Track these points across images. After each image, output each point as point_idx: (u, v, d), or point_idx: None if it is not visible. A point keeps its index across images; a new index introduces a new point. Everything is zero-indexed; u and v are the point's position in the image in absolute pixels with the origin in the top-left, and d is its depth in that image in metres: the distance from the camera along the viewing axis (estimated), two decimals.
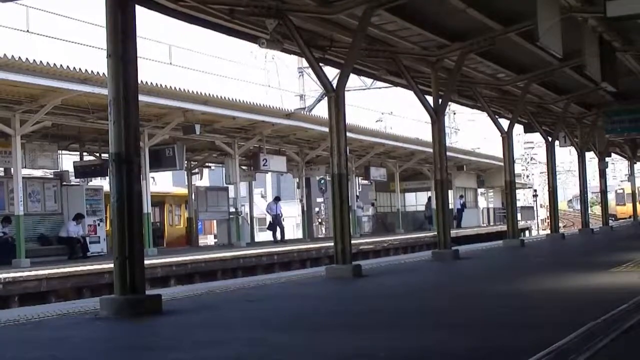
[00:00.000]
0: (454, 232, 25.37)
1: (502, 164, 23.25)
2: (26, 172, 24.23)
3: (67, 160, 29.12)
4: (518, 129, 30.38)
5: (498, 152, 38.26)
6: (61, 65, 18.61)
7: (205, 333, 7.18)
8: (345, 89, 13.78)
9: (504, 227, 25.52)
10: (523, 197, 73.07)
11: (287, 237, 34.83)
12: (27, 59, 17.83)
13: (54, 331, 7.83)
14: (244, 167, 32.32)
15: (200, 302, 10.09)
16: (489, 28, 16.42)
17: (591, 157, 35.05)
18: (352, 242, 13.93)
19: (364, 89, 42.30)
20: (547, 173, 27.27)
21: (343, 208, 13.16)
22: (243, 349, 6.39)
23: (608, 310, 7.15)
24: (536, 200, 58.43)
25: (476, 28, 16.42)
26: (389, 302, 9.66)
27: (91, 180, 29.33)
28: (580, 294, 9.30)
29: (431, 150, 18.06)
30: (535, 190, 61.90)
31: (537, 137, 32.84)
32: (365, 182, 42.64)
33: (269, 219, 35.24)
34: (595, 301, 8.39)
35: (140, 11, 10.92)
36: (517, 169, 58.73)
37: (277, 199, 34.48)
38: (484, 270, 14.40)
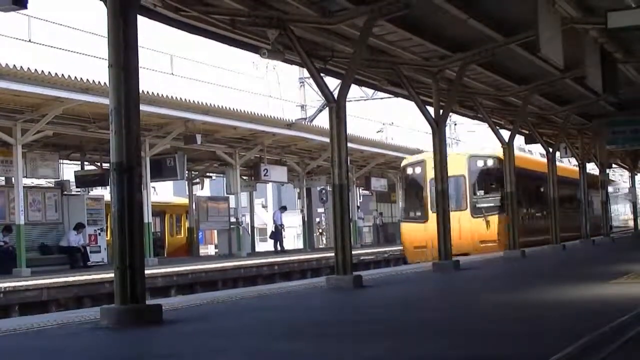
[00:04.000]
0: None
1: None
2: (27, 181, 24.26)
3: (68, 170, 29.17)
4: (519, 139, 30.41)
5: None
6: (62, 74, 18.67)
7: (205, 342, 7.17)
8: (347, 99, 13.78)
9: None
10: None
11: (288, 247, 34.82)
12: (28, 68, 17.88)
13: (54, 340, 7.81)
14: (244, 177, 32.35)
15: (201, 312, 10.08)
16: (490, 39, 16.44)
17: (591, 168, 35.02)
18: (353, 252, 13.92)
19: (365, 100, 42.36)
20: (548, 184, 27.22)
21: (344, 218, 13.15)
22: (244, 357, 6.38)
23: (609, 322, 7.14)
24: None
25: (477, 39, 16.44)
26: (389, 312, 9.65)
27: (92, 190, 29.38)
28: (581, 304, 9.28)
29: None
30: None
31: (538, 148, 32.93)
32: (366, 192, 42.61)
33: (270, 228, 35.26)
34: (596, 312, 8.38)
35: (142, 21, 10.96)
36: None
37: (283, 209, 34.51)
38: (485, 281, 14.37)
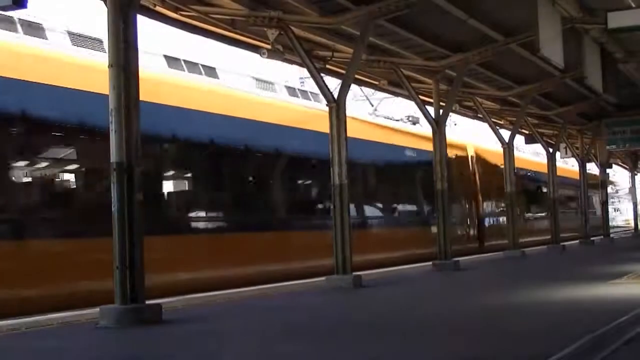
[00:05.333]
0: None
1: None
2: None
3: None
4: (519, 139, 30.38)
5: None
6: None
7: (205, 343, 7.17)
8: (346, 99, 13.78)
9: None
10: None
11: None
12: None
13: (55, 340, 7.81)
14: None
15: (201, 312, 10.07)
16: (491, 39, 16.45)
17: (589, 169, 34.98)
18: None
19: (365, 100, 42.28)
20: (548, 184, 27.24)
21: (344, 218, 13.15)
22: (243, 358, 6.39)
23: (608, 322, 7.14)
24: None
25: (477, 39, 16.45)
26: (388, 312, 9.65)
27: None
28: (580, 305, 9.28)
29: None
30: None
31: (538, 148, 32.81)
32: None
33: None
34: (596, 312, 8.38)
35: (142, 21, 10.95)
36: None
37: None
38: (484, 281, 14.38)
